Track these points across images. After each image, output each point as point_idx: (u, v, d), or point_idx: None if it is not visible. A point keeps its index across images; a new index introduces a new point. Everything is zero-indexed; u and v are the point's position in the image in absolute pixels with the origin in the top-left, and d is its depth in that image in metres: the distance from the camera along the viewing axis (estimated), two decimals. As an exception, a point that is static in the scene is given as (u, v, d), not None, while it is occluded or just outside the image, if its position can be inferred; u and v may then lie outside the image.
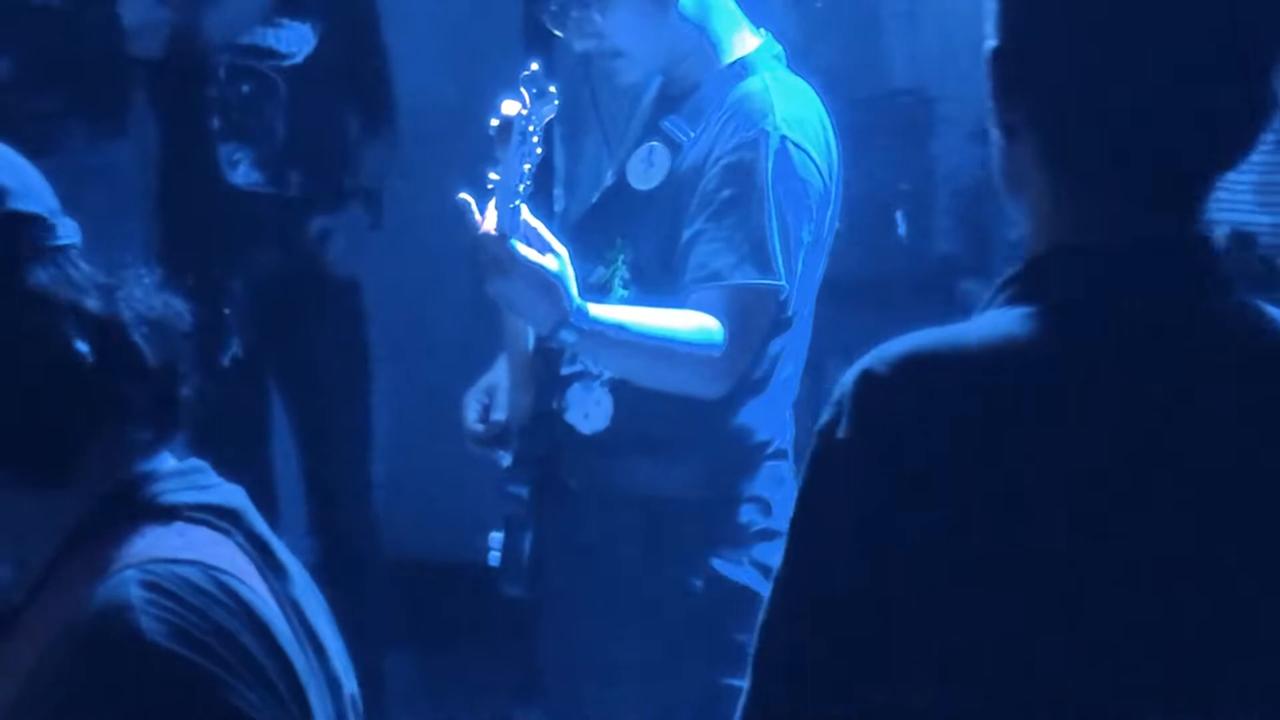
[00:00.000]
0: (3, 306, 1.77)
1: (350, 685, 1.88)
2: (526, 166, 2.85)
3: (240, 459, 4.73)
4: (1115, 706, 1.55)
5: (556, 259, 2.88)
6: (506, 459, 3.20)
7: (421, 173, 5.28)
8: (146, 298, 1.86)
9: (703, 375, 3.00)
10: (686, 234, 3.02)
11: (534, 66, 2.87)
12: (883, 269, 5.14)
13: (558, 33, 3.15)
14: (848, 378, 1.61)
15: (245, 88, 4.68)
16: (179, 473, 1.85)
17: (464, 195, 2.90)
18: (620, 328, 2.95)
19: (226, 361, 4.68)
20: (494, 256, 2.86)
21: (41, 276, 1.79)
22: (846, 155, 3.14)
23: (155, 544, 1.75)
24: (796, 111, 3.05)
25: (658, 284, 3.05)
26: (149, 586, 1.69)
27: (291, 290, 4.82)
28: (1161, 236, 1.62)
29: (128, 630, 1.67)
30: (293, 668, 1.75)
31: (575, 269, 2.93)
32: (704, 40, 3.12)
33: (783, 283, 3.01)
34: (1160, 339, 1.59)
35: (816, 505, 1.61)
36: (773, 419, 3.14)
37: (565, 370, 3.13)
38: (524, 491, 3.13)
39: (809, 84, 3.13)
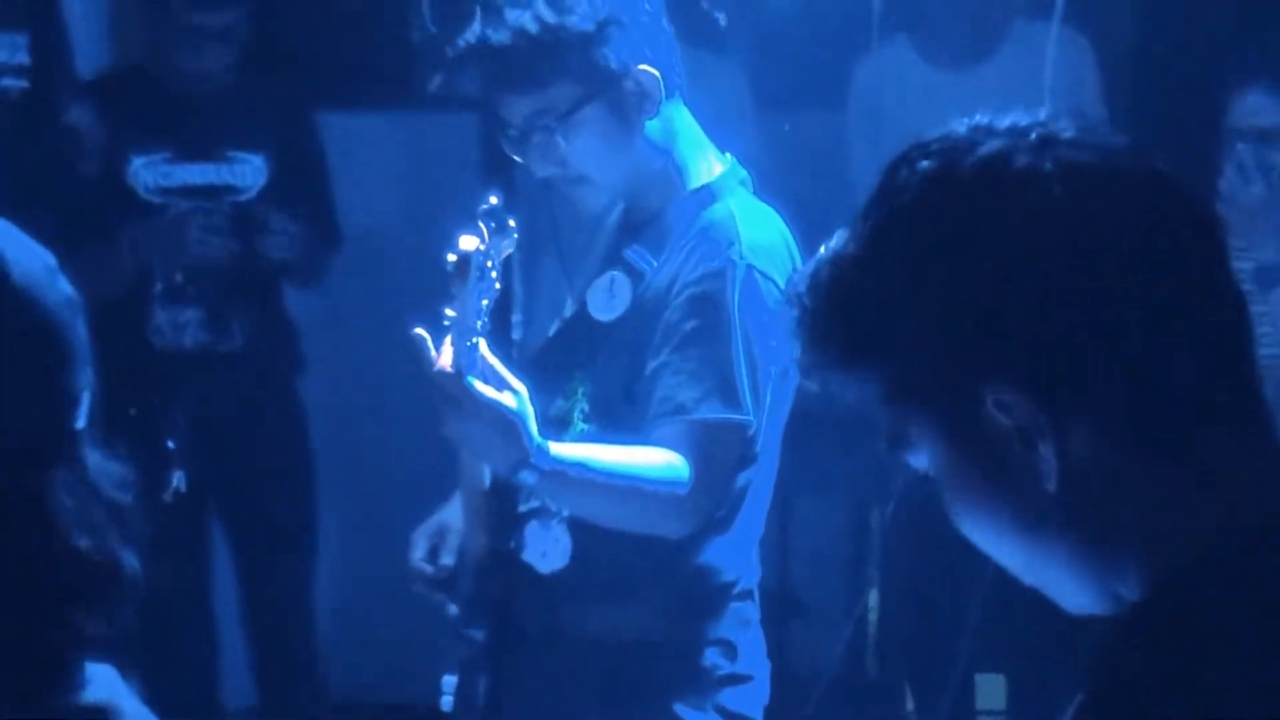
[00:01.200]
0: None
1: None
2: (484, 302, 2.85)
3: (179, 593, 4.78)
4: None
5: (515, 396, 2.87)
6: (450, 606, 3.17)
7: (376, 302, 5.30)
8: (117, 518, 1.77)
9: (668, 515, 2.97)
10: (651, 366, 3.01)
11: (493, 200, 2.87)
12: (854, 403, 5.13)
13: (518, 159, 3.15)
14: None
15: (194, 235, 4.67)
16: (48, 669, 1.78)
17: (419, 330, 2.89)
18: (582, 466, 2.92)
19: (169, 497, 4.67)
20: (450, 395, 2.85)
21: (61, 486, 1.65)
22: (815, 284, 3.13)
23: None
24: (763, 239, 3.05)
25: (620, 417, 3.04)
26: None
27: (236, 423, 4.81)
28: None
29: None
30: None
31: (534, 403, 2.92)
32: (669, 165, 3.12)
33: (750, 418, 3.00)
34: None
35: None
36: (738, 558, 3.11)
37: (522, 507, 3.11)
38: (479, 634, 3.10)
39: (776, 210, 3.14)
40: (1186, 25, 4.88)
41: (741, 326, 2.98)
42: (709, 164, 3.15)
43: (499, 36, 3.01)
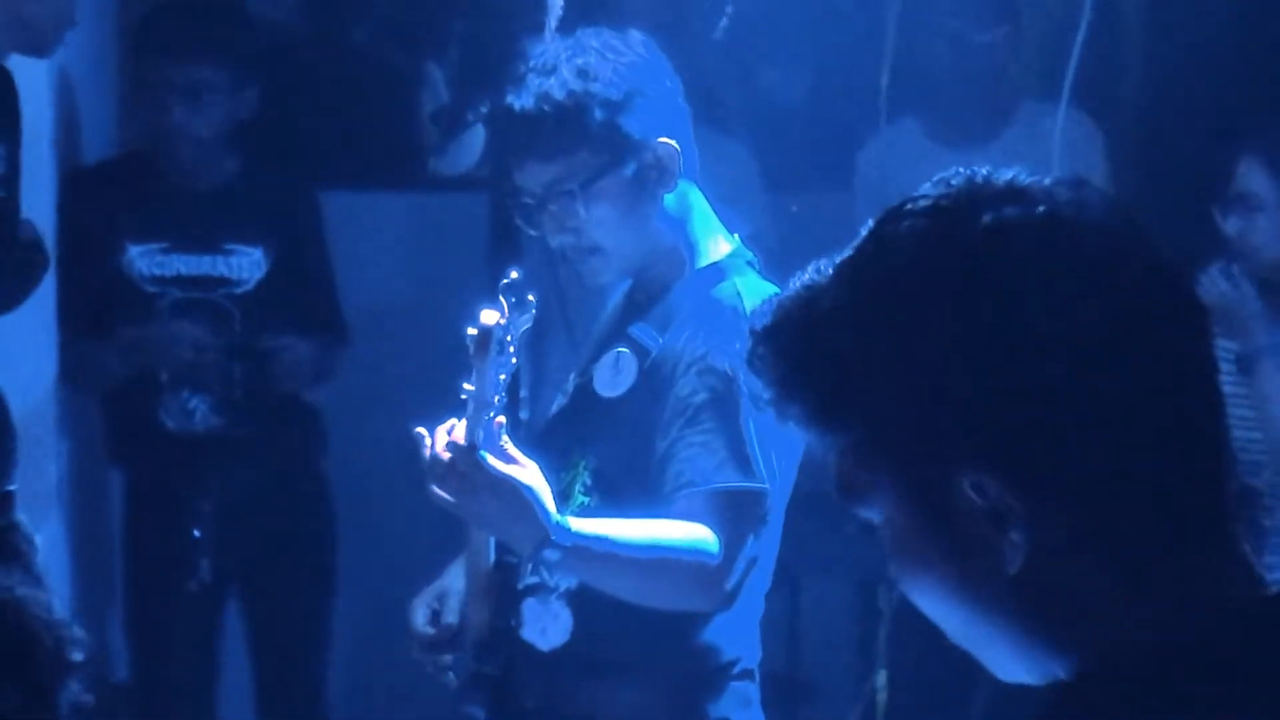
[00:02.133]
0: None
1: None
2: (502, 377, 2.85)
3: (189, 670, 4.78)
4: None
5: (528, 474, 2.86)
6: (450, 673, 3.15)
7: (381, 376, 5.30)
8: None
9: (698, 587, 2.95)
10: (663, 445, 2.99)
11: (514, 274, 2.88)
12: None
13: (531, 230, 3.15)
14: None
15: (185, 350, 4.67)
16: None
17: (420, 430, 2.88)
18: (605, 541, 2.90)
19: (195, 587, 4.68)
20: (462, 472, 2.84)
21: None
22: (821, 362, 3.13)
23: None
24: (768, 317, 3.04)
25: (622, 492, 3.02)
26: None
27: (258, 508, 4.81)
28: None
29: None
30: None
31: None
32: (680, 242, 3.12)
33: (767, 485, 2.98)
34: None
35: None
36: (739, 637, 3.09)
37: (521, 584, 3.09)
38: (479, 712, 3.08)
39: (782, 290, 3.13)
40: (1190, 107, 4.90)
41: (750, 402, 2.96)
42: (717, 243, 3.14)
43: (524, 103, 3.02)
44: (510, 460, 2.86)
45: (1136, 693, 1.40)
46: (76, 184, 4.80)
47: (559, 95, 3.00)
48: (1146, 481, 1.43)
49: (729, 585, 2.97)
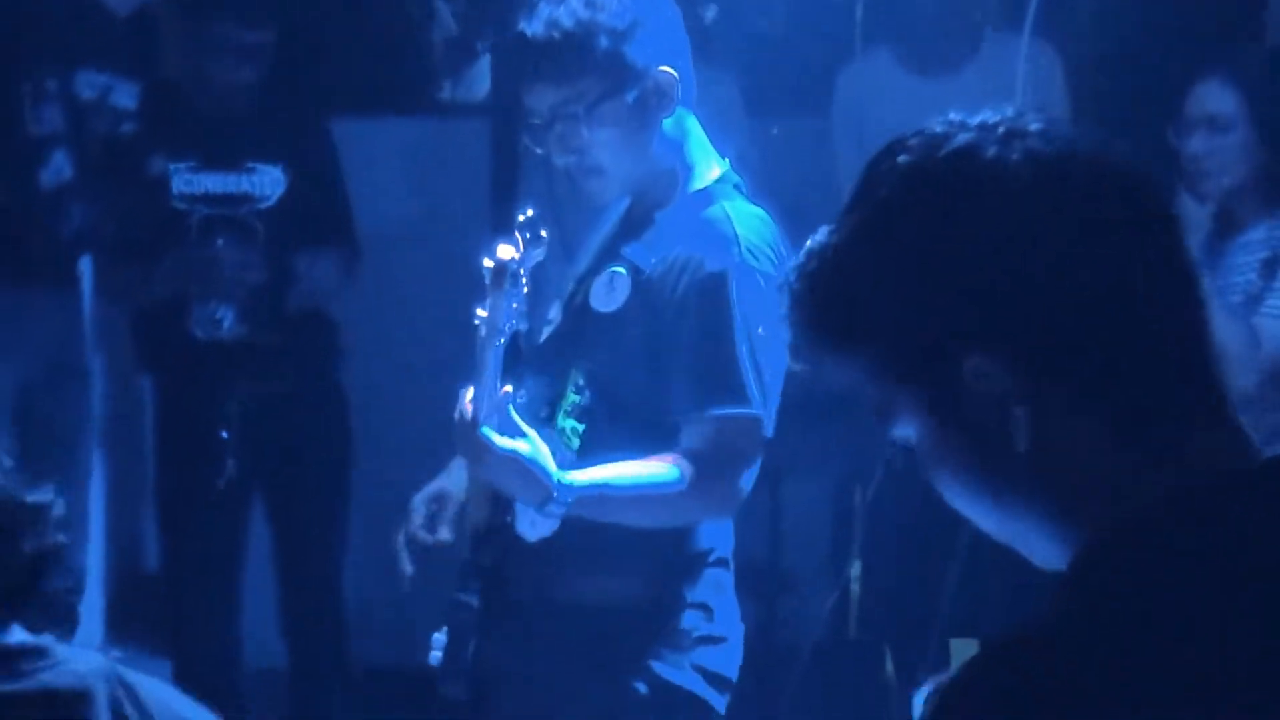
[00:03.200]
0: None
1: None
2: (514, 305, 2.90)
3: (216, 562, 4.84)
4: None
5: (528, 442, 2.93)
6: (409, 570, 3.20)
7: (387, 293, 5.31)
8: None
9: (685, 512, 3.03)
10: (657, 372, 3.04)
11: (530, 212, 2.92)
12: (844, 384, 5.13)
13: (537, 149, 3.17)
14: None
15: (220, 241, 4.72)
16: (23, 653, 1.75)
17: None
18: (604, 487, 2.97)
19: (222, 484, 4.72)
20: (468, 443, 2.92)
21: None
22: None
23: None
24: (757, 239, 3.06)
25: (618, 398, 3.07)
26: None
27: (280, 411, 4.85)
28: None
29: None
30: None
31: (536, 386, 2.98)
32: (677, 165, 3.15)
33: (758, 411, 3.02)
34: None
35: None
36: (715, 529, 3.15)
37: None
38: (474, 600, 3.12)
39: (768, 211, 3.16)
40: (1149, 37, 4.90)
41: (744, 324, 3.01)
42: (709, 166, 3.17)
43: (535, 29, 3.06)
44: (515, 431, 2.93)
45: (1145, 561, 1.44)
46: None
47: (568, 23, 3.04)
48: (1130, 351, 1.49)
49: (723, 503, 3.05)
